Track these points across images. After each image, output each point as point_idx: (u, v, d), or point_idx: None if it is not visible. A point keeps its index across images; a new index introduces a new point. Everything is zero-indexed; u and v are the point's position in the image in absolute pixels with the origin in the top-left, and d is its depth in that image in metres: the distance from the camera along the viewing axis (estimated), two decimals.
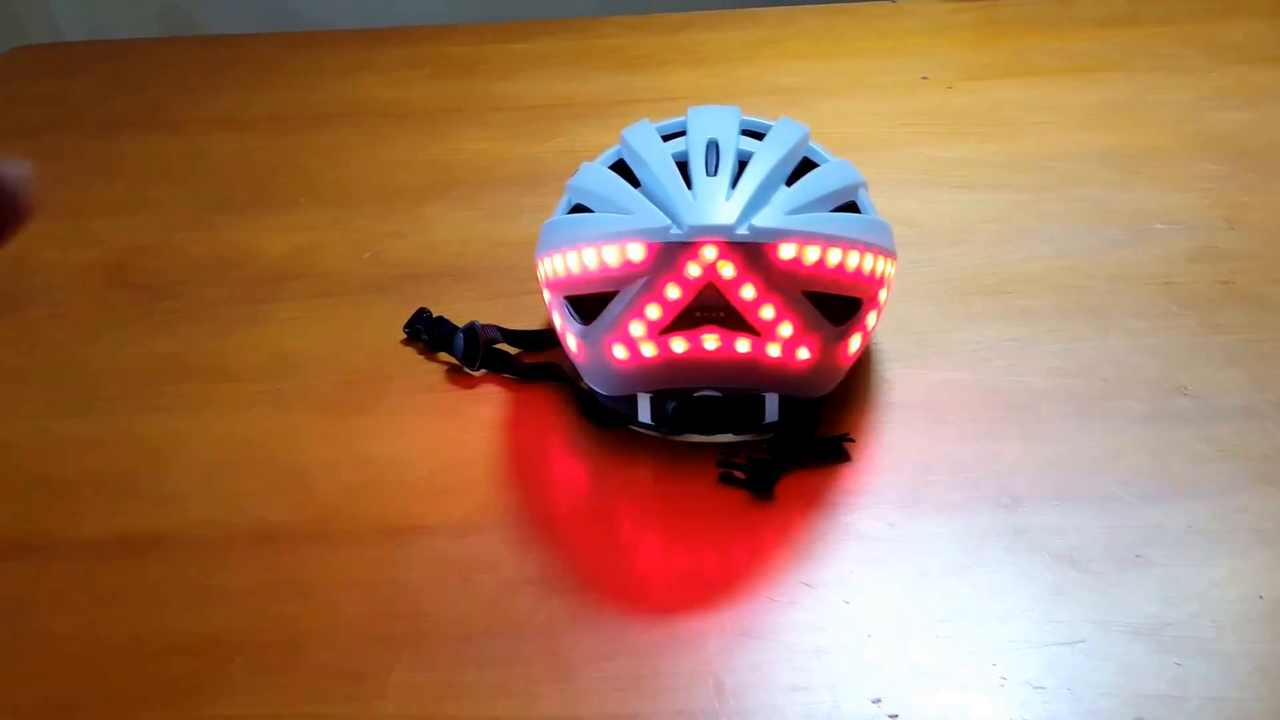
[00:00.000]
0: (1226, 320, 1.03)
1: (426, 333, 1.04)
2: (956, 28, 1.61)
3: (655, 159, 0.90)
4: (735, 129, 0.93)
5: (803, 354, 0.88)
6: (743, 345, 0.87)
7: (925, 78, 1.48)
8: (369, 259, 1.17)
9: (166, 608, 0.82)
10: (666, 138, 0.94)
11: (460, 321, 1.04)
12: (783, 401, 0.90)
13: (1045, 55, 1.52)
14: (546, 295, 0.94)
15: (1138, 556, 0.81)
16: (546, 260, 0.92)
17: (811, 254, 0.85)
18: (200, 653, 0.78)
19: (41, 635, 0.81)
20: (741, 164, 0.89)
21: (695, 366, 0.88)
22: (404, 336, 1.05)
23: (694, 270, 0.84)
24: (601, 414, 0.94)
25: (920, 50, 1.55)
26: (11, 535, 0.89)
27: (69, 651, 0.79)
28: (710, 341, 0.87)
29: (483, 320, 1.03)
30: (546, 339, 1.02)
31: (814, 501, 0.88)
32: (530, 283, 1.03)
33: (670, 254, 0.84)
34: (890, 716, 0.72)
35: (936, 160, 1.30)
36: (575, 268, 0.88)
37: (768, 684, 0.74)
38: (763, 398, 0.89)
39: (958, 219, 1.19)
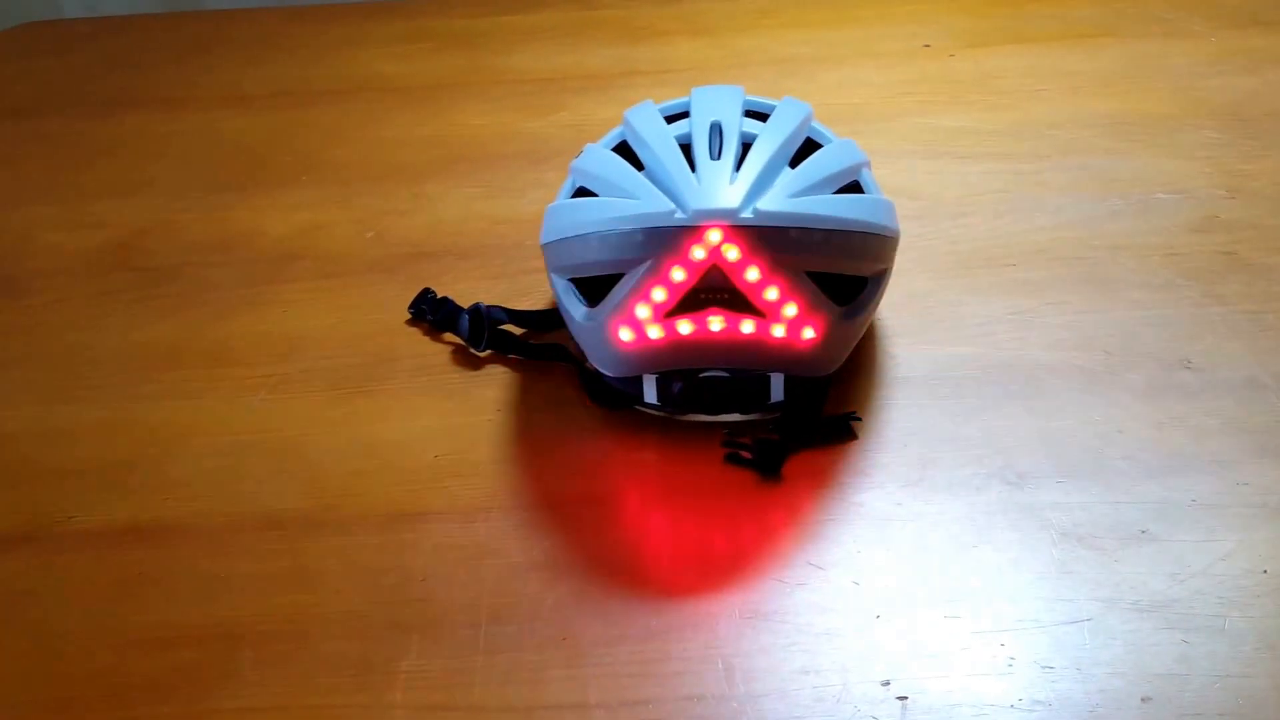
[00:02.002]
0: (1229, 291, 1.03)
1: (431, 313, 1.05)
2: None
3: (659, 142, 0.90)
4: (738, 110, 0.93)
5: (808, 334, 0.88)
6: (748, 326, 0.87)
7: (928, 45, 1.48)
8: (372, 238, 1.17)
9: (172, 598, 0.82)
10: (669, 119, 0.94)
11: (464, 301, 1.04)
12: (788, 381, 0.90)
13: (1045, 21, 1.52)
14: (551, 277, 0.94)
15: (1143, 532, 0.82)
16: (551, 243, 0.92)
17: (816, 236, 0.85)
18: (207, 644, 0.78)
19: (46, 627, 0.81)
20: (745, 146, 0.89)
21: (701, 348, 0.88)
22: (409, 317, 1.06)
23: (699, 253, 0.84)
24: (607, 395, 0.94)
25: (922, 17, 1.55)
26: (14, 525, 0.89)
27: (73, 644, 0.80)
28: (715, 323, 0.87)
29: (486, 300, 1.03)
30: (551, 319, 1.02)
31: (821, 481, 0.88)
32: (533, 261, 1.03)
33: (675, 237, 0.84)
34: (899, 698, 0.72)
35: (939, 130, 1.30)
36: (580, 251, 0.88)
37: (777, 667, 0.75)
38: (768, 377, 0.90)
39: (960, 190, 1.19)
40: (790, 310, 0.86)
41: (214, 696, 0.75)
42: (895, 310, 1.02)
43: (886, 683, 0.73)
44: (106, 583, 0.83)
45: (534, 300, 1.06)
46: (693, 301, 0.86)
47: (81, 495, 0.90)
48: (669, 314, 0.87)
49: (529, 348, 1.01)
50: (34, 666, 0.78)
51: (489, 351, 1.01)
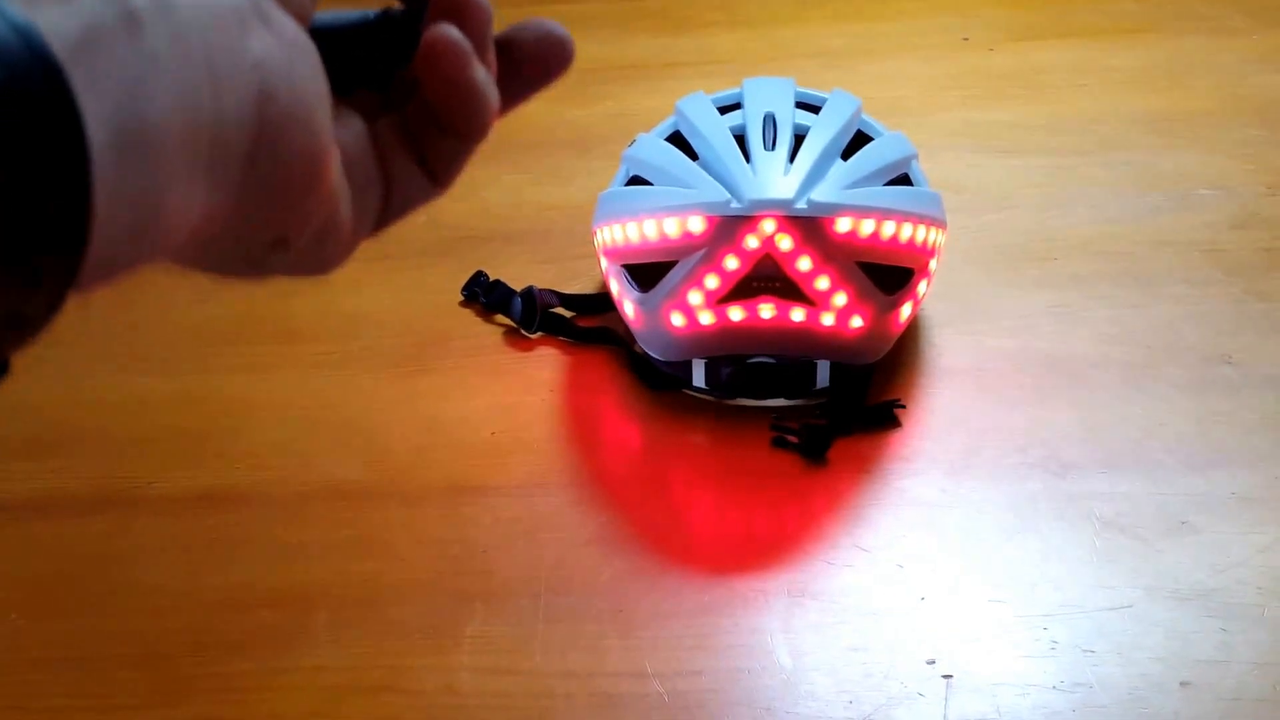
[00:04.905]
0: (1270, 288, 1.05)
1: (484, 295, 1.07)
2: None
3: (714, 132, 0.92)
4: (791, 102, 0.95)
5: (856, 322, 0.90)
6: (798, 314, 0.89)
7: (967, 39, 1.49)
8: (425, 222, 1.19)
9: (249, 562, 0.85)
10: (722, 110, 0.96)
11: (516, 284, 1.06)
12: (834, 368, 0.92)
13: (1086, 16, 1.53)
14: (604, 263, 0.96)
15: (1184, 523, 0.84)
16: (605, 229, 0.94)
17: (866, 227, 0.87)
18: (285, 606, 0.82)
19: (129, 587, 0.85)
20: (798, 138, 0.91)
21: (751, 334, 0.90)
22: (462, 299, 1.08)
23: (752, 242, 0.86)
24: (656, 378, 0.97)
25: (962, 10, 1.56)
26: (96, 490, 0.92)
27: (160, 604, 0.83)
28: (766, 310, 0.89)
29: (536, 283, 1.05)
30: (601, 303, 1.04)
31: (866, 466, 0.90)
32: (581, 247, 1.05)
33: (730, 226, 0.86)
34: (944, 677, 0.75)
35: (980, 124, 1.32)
36: (635, 238, 0.91)
37: (826, 644, 0.77)
38: (815, 364, 0.92)
39: (1003, 184, 1.21)
40: (840, 299, 0.89)
41: (291, 655, 0.79)
42: (939, 301, 1.04)
43: (932, 661, 0.76)
44: (184, 546, 0.87)
45: (583, 284, 1.08)
46: (745, 289, 0.89)
47: (158, 463, 0.94)
48: (721, 300, 0.89)
49: (579, 330, 1.03)
50: (119, 624, 0.82)
51: (540, 333, 1.04)
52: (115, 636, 0.81)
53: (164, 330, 1.07)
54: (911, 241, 0.91)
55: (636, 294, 0.93)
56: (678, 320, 0.91)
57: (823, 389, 0.93)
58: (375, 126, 0.37)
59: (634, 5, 1.61)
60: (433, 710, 0.75)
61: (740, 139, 0.92)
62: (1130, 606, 0.78)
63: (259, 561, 0.85)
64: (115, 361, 1.04)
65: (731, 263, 0.87)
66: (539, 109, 1.31)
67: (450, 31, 0.34)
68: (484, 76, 0.36)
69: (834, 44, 1.50)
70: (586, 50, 1.35)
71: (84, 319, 1.04)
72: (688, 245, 0.88)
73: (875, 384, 0.96)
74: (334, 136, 0.34)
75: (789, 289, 0.88)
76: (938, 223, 0.94)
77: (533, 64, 0.39)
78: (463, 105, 0.36)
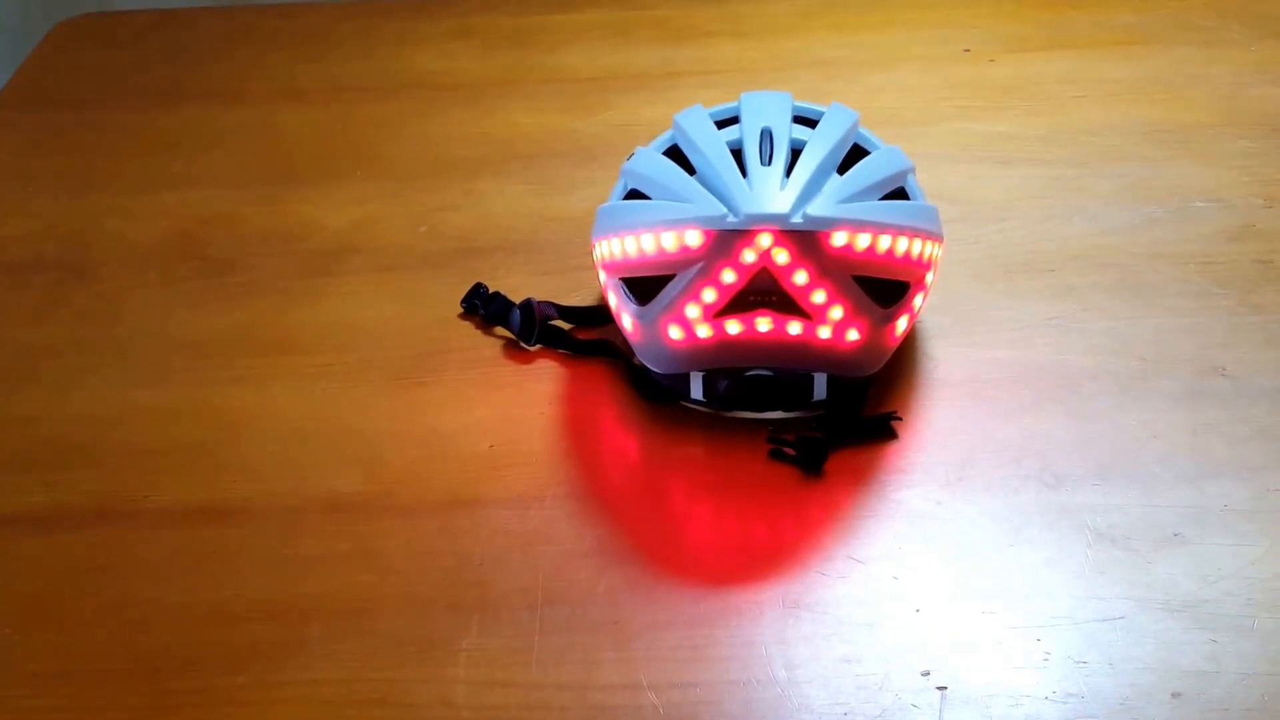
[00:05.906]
0: (1264, 300, 1.05)
1: (483, 308, 1.08)
2: None
3: (710, 147, 0.93)
4: (788, 116, 0.95)
5: (852, 336, 0.91)
6: (794, 328, 0.90)
7: (968, 50, 1.50)
8: (424, 233, 1.20)
9: (244, 575, 0.86)
10: (719, 124, 0.97)
11: (515, 296, 1.07)
12: (831, 380, 0.93)
13: (1086, 27, 1.53)
14: (602, 276, 0.97)
15: (1176, 535, 0.84)
16: (604, 243, 0.95)
17: (862, 241, 0.88)
18: (278, 619, 0.82)
19: (123, 600, 0.85)
20: (794, 153, 0.92)
21: (748, 347, 0.91)
22: (461, 311, 1.09)
23: (749, 256, 0.87)
24: (654, 390, 0.97)
25: (963, 21, 1.56)
26: (91, 503, 0.93)
27: (153, 617, 0.84)
28: (763, 324, 0.90)
29: (535, 295, 1.06)
30: (600, 315, 1.05)
31: (862, 478, 0.91)
32: (581, 258, 1.06)
33: (727, 241, 0.87)
34: (939, 689, 0.75)
35: (979, 135, 1.32)
36: (633, 251, 0.91)
37: (820, 655, 0.78)
38: (812, 377, 0.93)
39: (1000, 195, 1.21)
40: (836, 313, 0.89)
41: (285, 669, 0.79)
42: (936, 312, 1.04)
43: (926, 673, 0.76)
44: (179, 559, 0.88)
45: (581, 297, 1.08)
46: (742, 303, 0.89)
47: (154, 475, 0.94)
48: (718, 314, 0.90)
49: (578, 343, 1.04)
50: (113, 637, 0.83)
51: (539, 346, 1.04)
52: (107, 650, 0.82)
53: (158, 342, 1.08)
54: (907, 255, 0.91)
55: (634, 307, 0.93)
56: (675, 333, 0.91)
57: (820, 401, 0.94)
58: None
59: (635, 15, 1.61)
60: None
61: (737, 153, 0.92)
62: (1122, 617, 0.79)
63: (253, 574, 0.86)
64: (109, 374, 1.05)
65: (728, 276, 0.88)
66: (540, 119, 1.33)
67: None
68: None
69: (834, 54, 1.51)
70: (588, 60, 1.38)
71: (77, 330, 1.06)
72: (685, 259, 0.89)
73: (872, 396, 0.96)
74: None
75: (785, 302, 0.89)
76: (934, 236, 0.94)
77: None
78: None
